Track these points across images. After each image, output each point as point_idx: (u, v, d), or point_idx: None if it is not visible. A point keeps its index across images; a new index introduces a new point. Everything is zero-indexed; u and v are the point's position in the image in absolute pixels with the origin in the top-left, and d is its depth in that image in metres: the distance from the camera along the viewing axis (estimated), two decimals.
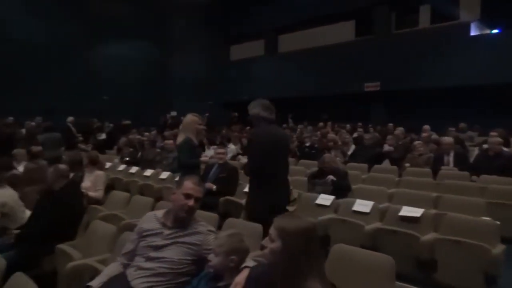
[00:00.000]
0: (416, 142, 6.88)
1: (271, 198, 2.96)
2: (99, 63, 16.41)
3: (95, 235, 3.04)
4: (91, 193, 4.37)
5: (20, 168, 4.95)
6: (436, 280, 3.24)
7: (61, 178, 3.32)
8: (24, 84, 13.94)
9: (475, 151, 6.79)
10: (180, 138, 3.97)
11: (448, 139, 6.32)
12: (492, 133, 6.18)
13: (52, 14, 15.08)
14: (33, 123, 10.73)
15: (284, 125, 13.21)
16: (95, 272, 2.50)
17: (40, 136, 8.21)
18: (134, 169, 7.03)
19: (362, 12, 15.68)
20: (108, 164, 7.30)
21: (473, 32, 12.99)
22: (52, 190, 3.31)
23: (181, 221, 2.18)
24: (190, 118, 4.08)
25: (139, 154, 8.17)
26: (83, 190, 4.24)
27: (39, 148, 5.79)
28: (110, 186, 5.41)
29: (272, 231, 1.58)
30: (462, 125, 10.25)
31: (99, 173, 4.70)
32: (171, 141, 8.03)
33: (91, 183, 4.59)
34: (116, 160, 8.10)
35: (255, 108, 3.12)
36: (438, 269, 3.20)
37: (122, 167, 7.31)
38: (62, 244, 3.01)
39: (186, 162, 3.78)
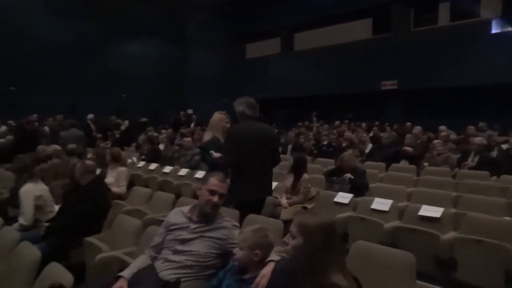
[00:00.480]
0: (435, 141, 6.82)
1: (248, 189, 3.14)
2: (118, 61, 16.74)
3: (121, 228, 3.15)
4: (115, 189, 4.49)
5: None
6: (456, 279, 3.24)
7: (88, 173, 3.45)
8: (47, 82, 14.34)
9: (495, 151, 6.68)
10: (207, 137, 3.92)
11: (480, 139, 6.22)
12: None
13: (73, 14, 15.46)
14: (55, 121, 10.99)
15: (306, 122, 13.13)
16: (122, 264, 2.61)
17: (62, 133, 8.44)
18: (153, 166, 7.17)
19: (379, 10, 15.53)
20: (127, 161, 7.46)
21: (494, 30, 12.74)
22: (79, 185, 3.44)
23: (206, 216, 2.26)
24: (217, 116, 3.94)
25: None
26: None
27: (73, 145, 6.02)
28: (130, 182, 5.55)
29: (293, 227, 1.63)
30: (481, 124, 10.08)
31: (122, 169, 4.82)
32: (189, 139, 8.16)
33: (114, 179, 4.72)
34: (135, 158, 8.25)
35: (240, 106, 3.33)
36: (458, 268, 3.21)
37: (141, 163, 7.46)
38: (90, 237, 3.13)
39: (213, 161, 3.63)
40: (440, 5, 14.34)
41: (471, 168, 5.73)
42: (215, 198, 2.25)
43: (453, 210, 3.99)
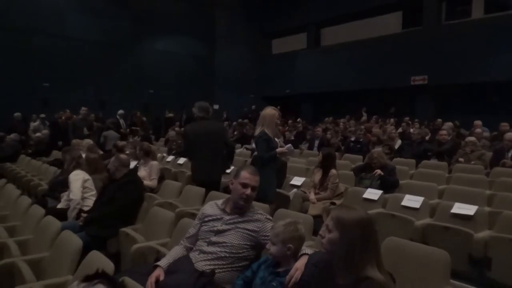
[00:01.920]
0: (468, 138, 6.64)
1: (203, 174, 4.20)
2: (146, 58, 17.12)
3: (154, 220, 3.25)
4: (147, 182, 4.63)
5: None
6: (490, 278, 3.17)
7: (123, 167, 3.58)
8: (78, 78, 14.85)
9: None
10: (257, 131, 3.98)
11: (510, 135, 6.05)
12: None
13: (103, 11, 15.88)
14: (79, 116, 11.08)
15: (364, 118, 13.00)
16: (158, 254, 2.70)
17: (105, 133, 8.81)
18: (181, 160, 7.31)
19: (410, 2, 15.14)
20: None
21: None
22: (115, 178, 3.57)
23: (240, 208, 2.32)
24: (270, 111, 3.96)
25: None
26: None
27: (123, 142, 6.28)
28: (161, 176, 5.69)
29: (329, 221, 1.63)
30: None
31: (154, 163, 4.96)
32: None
33: (146, 172, 4.86)
34: (164, 153, 8.42)
35: (194, 109, 4.46)
36: (492, 267, 3.14)
37: (170, 158, 7.62)
38: (125, 228, 3.25)
39: (263, 156, 3.84)
40: None
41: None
42: (248, 191, 2.30)
43: (487, 209, 3.89)
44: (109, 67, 15.83)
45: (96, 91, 15.31)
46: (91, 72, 15.13)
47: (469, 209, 3.60)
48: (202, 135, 4.18)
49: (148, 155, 4.98)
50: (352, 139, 7.88)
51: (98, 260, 2.16)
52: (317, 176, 4.71)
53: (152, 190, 4.73)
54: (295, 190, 4.82)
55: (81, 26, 15.24)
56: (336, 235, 1.57)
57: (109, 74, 15.75)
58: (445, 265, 2.23)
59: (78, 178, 3.78)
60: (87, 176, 3.86)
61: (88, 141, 6.34)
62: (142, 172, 4.80)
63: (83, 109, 9.38)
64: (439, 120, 10.90)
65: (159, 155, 7.81)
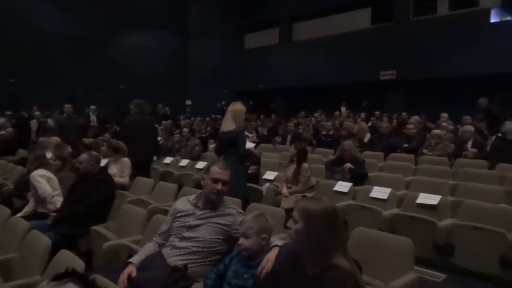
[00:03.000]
0: (433, 131, 6.90)
1: (136, 156, 5.04)
2: (119, 52, 16.80)
3: (126, 218, 3.23)
4: (118, 179, 4.56)
5: (48, 156, 5.19)
6: (453, 264, 3.34)
7: (96, 164, 3.53)
8: (47, 74, 14.37)
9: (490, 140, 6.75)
10: (231, 126, 3.98)
11: (467, 127, 6.34)
12: (507, 122, 6.16)
13: (73, 5, 15.40)
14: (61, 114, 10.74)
15: (337, 112, 13.08)
16: (130, 252, 2.69)
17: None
18: (153, 157, 7.24)
19: None
20: None
21: (493, 19, 12.71)
22: (85, 176, 3.51)
23: (212, 203, 2.35)
24: (240, 107, 4.09)
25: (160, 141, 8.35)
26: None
27: (90, 140, 6.13)
28: (133, 173, 5.62)
29: (295, 213, 1.68)
30: (479, 116, 10.14)
31: (125, 160, 4.88)
32: (187, 130, 8.24)
33: (117, 169, 4.78)
34: None
35: (131, 106, 5.58)
36: (455, 253, 3.30)
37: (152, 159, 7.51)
38: (96, 226, 3.21)
39: (245, 151, 4.03)
40: None
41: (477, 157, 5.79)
42: (219, 186, 2.33)
43: (450, 198, 4.08)
44: (80, 62, 15.39)
45: (66, 86, 14.82)
46: (61, 67, 14.68)
47: (433, 199, 3.77)
48: (135, 126, 5.29)
49: (118, 151, 4.90)
50: (324, 133, 8.02)
51: (68, 259, 2.13)
52: (290, 170, 4.79)
53: (124, 187, 4.67)
54: (268, 184, 4.89)
55: (50, 20, 14.77)
56: (302, 225, 1.62)
57: (80, 69, 15.30)
58: (409, 253, 2.35)
59: (41, 176, 3.65)
60: (51, 175, 3.74)
61: (56, 139, 6.16)
62: (112, 170, 4.72)
63: (67, 107, 8.26)
64: (404, 113, 11.25)
65: None
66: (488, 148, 6.16)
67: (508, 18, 12.90)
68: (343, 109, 14.48)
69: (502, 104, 9.12)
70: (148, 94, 15.75)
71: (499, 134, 6.18)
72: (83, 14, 15.54)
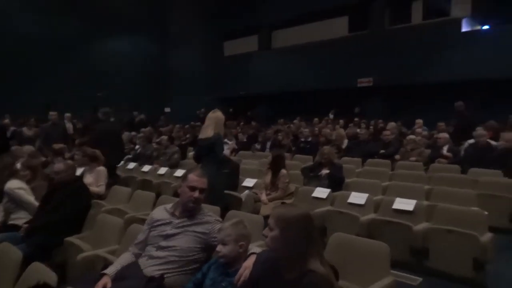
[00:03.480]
0: (409, 137, 7.06)
1: (109, 158, 5.18)
2: (96, 58, 16.45)
3: (102, 228, 3.16)
4: (94, 188, 4.47)
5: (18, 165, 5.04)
6: (428, 267, 3.41)
7: (71, 173, 3.45)
8: (22, 80, 13.97)
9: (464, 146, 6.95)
10: (210, 133, 4.04)
11: (443, 134, 6.53)
12: (478, 128, 6.38)
13: (51, 8, 15.09)
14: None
15: (316, 119, 13.11)
16: (105, 262, 2.63)
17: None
18: (132, 165, 7.13)
19: (355, 7, 15.81)
20: None
21: (464, 28, 13.19)
22: (60, 185, 3.42)
23: (189, 211, 2.32)
24: (220, 115, 4.19)
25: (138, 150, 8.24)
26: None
27: (61, 145, 5.98)
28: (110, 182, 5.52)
29: (270, 220, 1.69)
30: (453, 121, 10.45)
31: (100, 168, 4.79)
32: (166, 137, 8.17)
33: (93, 178, 4.68)
34: None
35: (99, 114, 6.46)
36: (430, 256, 3.37)
37: (119, 163, 7.39)
38: (70, 237, 3.13)
39: (223, 157, 4.18)
40: (413, 3, 14.72)
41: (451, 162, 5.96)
42: (196, 194, 2.32)
43: (425, 202, 4.17)
44: (56, 68, 15.02)
45: (40, 93, 14.42)
46: (36, 73, 14.29)
47: (408, 204, 3.85)
48: (103, 132, 5.90)
49: (94, 160, 4.80)
50: (302, 139, 8.09)
51: (40, 272, 2.07)
52: (268, 177, 4.80)
53: (100, 196, 4.57)
54: (247, 191, 4.88)
55: (25, 25, 14.35)
56: (278, 232, 1.63)
57: (55, 75, 14.93)
58: (385, 257, 2.38)
59: (18, 188, 3.55)
60: (25, 186, 3.64)
61: (29, 147, 6.00)
62: (88, 179, 4.62)
63: (52, 114, 7.98)
64: (380, 120, 11.49)
65: None
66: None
67: (478, 27, 13.41)
68: (331, 115, 14.61)
69: (473, 112, 9.41)
70: (127, 101, 15.64)
71: (471, 140, 6.39)
72: (59, 19, 15.23)
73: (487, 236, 3.24)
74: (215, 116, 4.15)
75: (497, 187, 4.55)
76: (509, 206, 4.26)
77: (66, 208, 3.25)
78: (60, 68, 15.18)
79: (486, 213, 3.53)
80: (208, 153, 4.04)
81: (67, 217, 3.23)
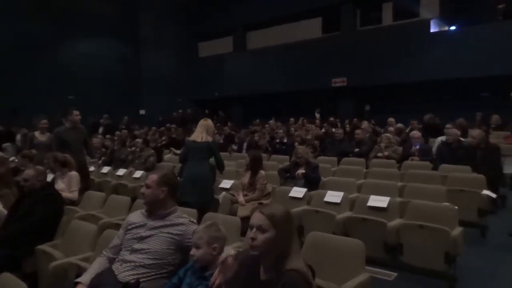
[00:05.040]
0: (383, 135, 7.22)
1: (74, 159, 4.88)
2: (67, 61, 16.01)
3: (75, 234, 3.08)
4: (66, 194, 4.35)
5: None
6: (402, 262, 3.49)
7: (41, 178, 3.34)
8: None
9: (435, 142, 7.17)
10: (205, 138, 4.33)
11: (416, 133, 6.72)
12: (448, 125, 6.60)
13: (18, 9, 14.57)
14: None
15: (292, 119, 13.11)
16: (79, 270, 2.56)
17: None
18: (106, 169, 6.99)
19: (328, 9, 16.05)
20: None
21: (432, 29, 13.60)
22: (30, 192, 3.31)
23: (149, 211, 2.33)
24: (211, 123, 4.53)
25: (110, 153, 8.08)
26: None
27: (34, 151, 5.74)
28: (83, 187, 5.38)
29: (263, 221, 1.63)
30: (426, 117, 10.77)
31: (73, 173, 4.66)
32: (141, 140, 8.04)
33: (65, 184, 4.55)
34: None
35: (63, 118, 5.78)
36: (404, 252, 3.46)
37: (92, 167, 7.24)
38: (42, 245, 3.03)
39: (223, 162, 4.56)
40: (383, 5, 15.08)
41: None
42: (143, 189, 2.34)
43: (398, 199, 4.28)
44: (24, 71, 14.51)
45: (7, 97, 13.91)
46: (2, 76, 13.76)
47: (382, 201, 3.94)
48: (68, 135, 5.44)
49: (65, 165, 4.66)
50: (277, 140, 8.13)
51: (10, 283, 2.00)
52: (246, 178, 4.80)
53: (73, 202, 4.45)
54: (224, 193, 4.87)
55: None
56: (273, 233, 1.61)
57: (24, 78, 14.43)
58: (360, 254, 2.43)
59: None
60: None
61: (34, 152, 5.79)
62: (60, 185, 4.48)
63: (76, 113, 5.97)
64: (355, 119, 11.70)
65: None
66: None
67: (446, 28, 13.87)
68: (317, 115, 14.74)
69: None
70: (99, 104, 15.29)
71: (443, 138, 6.60)
72: (28, 21, 14.72)
73: (457, 230, 3.34)
74: (206, 123, 4.44)
75: (466, 182, 4.72)
76: (477, 200, 4.42)
77: (36, 215, 3.14)
78: (28, 71, 14.67)
79: (456, 207, 3.65)
80: (202, 155, 4.32)
81: (36, 224, 3.12)
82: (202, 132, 4.39)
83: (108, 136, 10.34)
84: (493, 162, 5.48)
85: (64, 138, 5.38)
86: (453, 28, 13.75)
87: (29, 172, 3.39)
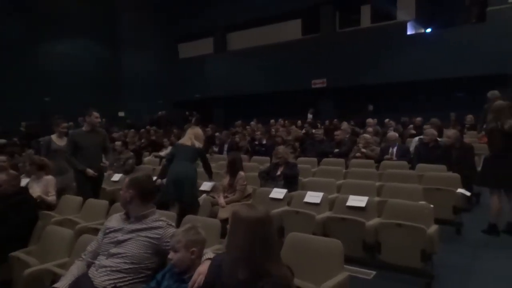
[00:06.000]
0: (362, 136, 7.33)
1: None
2: (43, 62, 15.62)
3: (51, 240, 3.01)
4: (46, 198, 4.25)
5: None
6: (380, 261, 3.55)
7: (14, 183, 3.25)
8: None
9: (412, 142, 7.33)
10: (194, 144, 4.57)
11: (393, 134, 6.85)
12: (426, 126, 6.75)
13: None
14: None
15: (272, 121, 13.08)
16: (54, 277, 2.51)
17: None
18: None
19: (308, 11, 16.19)
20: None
21: (409, 31, 13.90)
22: (4, 197, 3.22)
23: (126, 213, 2.31)
24: (200, 130, 4.83)
25: None
26: (38, 195, 4.15)
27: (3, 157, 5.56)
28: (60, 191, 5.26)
29: (233, 223, 1.70)
30: (403, 119, 11.02)
31: (49, 177, 4.55)
32: (120, 143, 7.92)
33: (41, 188, 4.44)
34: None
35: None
36: (382, 250, 3.52)
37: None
38: (16, 252, 2.95)
39: (211, 167, 4.88)
40: (362, 7, 15.31)
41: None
42: (121, 191, 2.33)
43: (377, 198, 4.35)
44: (1, 72, 14.09)
45: None
46: None
47: (361, 201, 4.00)
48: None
49: (42, 169, 4.55)
50: (257, 142, 8.15)
51: None
52: (226, 179, 4.79)
53: (49, 207, 4.35)
54: (204, 195, 4.85)
55: None
56: (241, 234, 1.64)
57: (1, 80, 14.02)
58: (339, 253, 2.46)
59: None
60: None
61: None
62: (36, 189, 4.38)
63: (96, 115, 4.99)
64: (335, 120, 11.84)
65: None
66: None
67: (422, 30, 14.20)
68: (310, 115, 14.79)
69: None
70: (77, 106, 14.93)
71: (421, 137, 6.76)
72: (3, 21, 14.32)
73: (433, 228, 3.42)
74: (195, 131, 4.70)
75: (442, 181, 4.83)
76: (453, 199, 4.53)
77: (8, 221, 3.06)
78: (4, 72, 14.25)
79: (431, 206, 3.74)
80: (189, 159, 4.50)
81: (10, 231, 3.04)
82: (191, 138, 4.59)
83: None
84: (468, 161, 5.64)
85: (79, 142, 4.69)
86: (429, 30, 14.07)
87: (1, 176, 3.30)
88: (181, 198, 4.23)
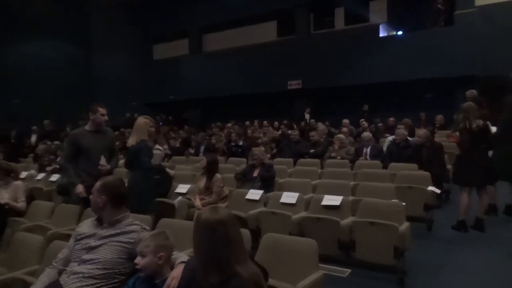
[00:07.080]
0: (337, 136, 7.45)
1: None
2: (13, 63, 15.07)
3: (20, 247, 2.91)
4: (16, 205, 4.11)
5: None
6: (355, 259, 3.62)
7: None
8: None
9: (385, 142, 7.51)
10: (133, 141, 4.03)
11: (367, 135, 7.00)
12: (399, 125, 6.93)
13: None
14: None
15: (247, 122, 13.01)
16: (24, 286, 2.43)
17: None
18: (55, 177, 6.66)
19: (283, 13, 16.31)
20: (23, 174, 6.82)
21: (381, 34, 14.22)
22: None
23: (100, 219, 2.25)
24: (142, 120, 4.13)
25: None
26: (7, 202, 4.01)
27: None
28: (30, 197, 5.10)
29: (195, 226, 1.71)
30: (376, 120, 11.28)
31: (18, 183, 4.41)
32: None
33: (10, 194, 4.29)
34: (33, 170, 7.54)
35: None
36: (356, 248, 3.59)
37: (41, 175, 6.90)
38: None
39: (150, 165, 4.05)
40: (336, 10, 15.56)
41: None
42: (92, 197, 2.27)
43: (351, 198, 4.43)
44: None
45: None
46: None
47: (335, 200, 4.07)
48: None
49: (9, 174, 4.41)
50: (233, 144, 8.15)
51: None
52: (202, 182, 4.77)
53: (19, 213, 4.21)
54: (180, 197, 4.81)
55: None
56: (203, 237, 1.65)
57: None
58: (313, 253, 2.49)
59: None
60: None
61: None
62: (4, 195, 4.23)
63: (101, 111, 4.25)
64: (312, 121, 11.98)
65: (27, 173, 7.00)
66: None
67: (394, 33, 14.55)
68: (307, 115, 14.79)
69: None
70: (47, 109, 14.53)
71: (392, 137, 6.93)
72: None
73: (405, 226, 3.52)
74: (136, 122, 4.18)
75: (413, 180, 4.98)
76: (424, 196, 4.67)
77: None
78: None
79: (403, 204, 3.84)
80: (134, 160, 4.00)
81: None
82: (134, 135, 4.06)
83: (57, 142, 9.84)
84: (438, 160, 5.83)
85: (81, 144, 3.91)
86: (400, 33, 14.43)
87: None
88: (134, 209, 3.76)
